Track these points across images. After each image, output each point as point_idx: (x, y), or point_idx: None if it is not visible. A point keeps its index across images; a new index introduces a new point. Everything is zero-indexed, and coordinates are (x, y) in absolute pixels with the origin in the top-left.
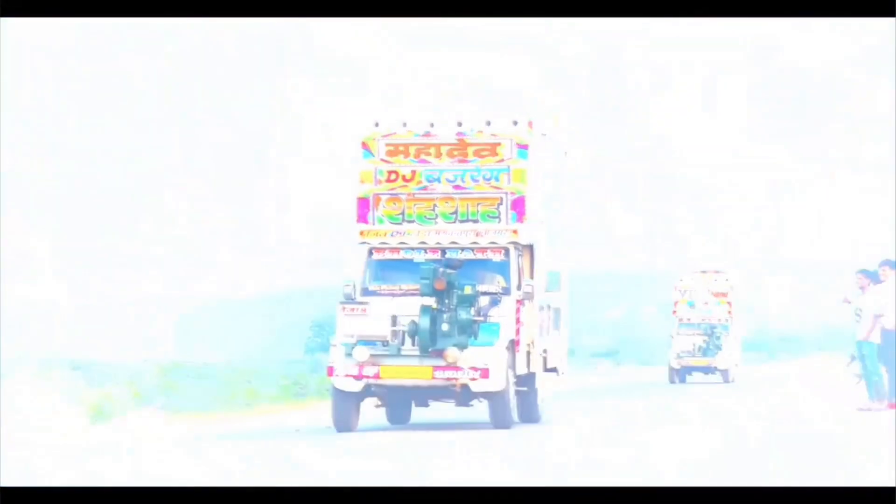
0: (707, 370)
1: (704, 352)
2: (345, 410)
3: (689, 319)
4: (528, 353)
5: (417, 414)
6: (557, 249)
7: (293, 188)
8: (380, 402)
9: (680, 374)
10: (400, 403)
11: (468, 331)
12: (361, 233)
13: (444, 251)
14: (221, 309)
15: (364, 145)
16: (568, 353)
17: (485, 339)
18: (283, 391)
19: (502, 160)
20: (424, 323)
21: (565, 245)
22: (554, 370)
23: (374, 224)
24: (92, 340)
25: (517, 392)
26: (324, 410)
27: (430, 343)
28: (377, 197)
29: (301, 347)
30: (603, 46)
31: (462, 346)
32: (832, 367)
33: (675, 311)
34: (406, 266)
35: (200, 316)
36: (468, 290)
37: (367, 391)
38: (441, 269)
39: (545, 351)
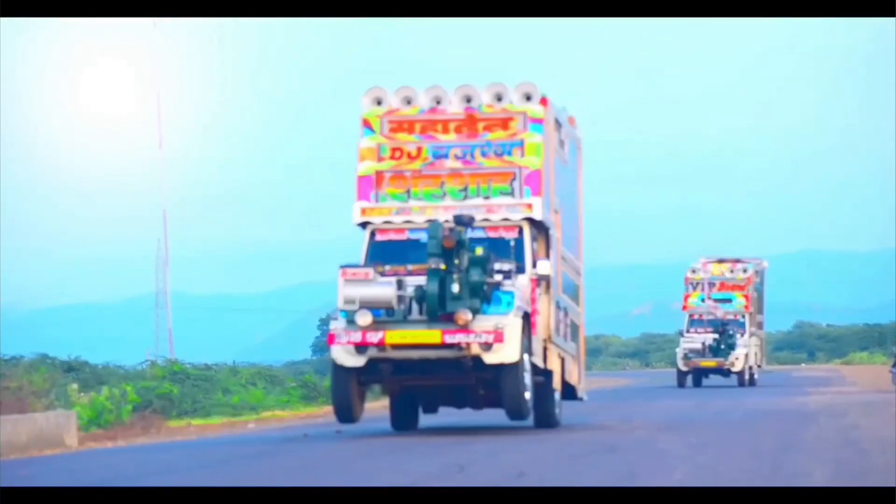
0: (722, 372)
1: (715, 352)
2: (346, 393)
3: (700, 315)
4: (545, 347)
5: (424, 420)
6: (577, 261)
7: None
8: (386, 388)
9: (695, 377)
10: (406, 407)
11: (480, 294)
12: (363, 211)
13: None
14: (227, 306)
15: (365, 122)
16: (587, 364)
17: (498, 307)
18: (290, 394)
19: (515, 133)
20: (433, 287)
21: (583, 253)
22: (573, 391)
23: (377, 202)
24: (91, 341)
25: (533, 383)
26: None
27: (439, 307)
28: (380, 175)
29: (308, 346)
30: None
31: (474, 311)
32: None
33: (685, 306)
34: (412, 247)
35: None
36: (480, 251)
37: (371, 369)
38: (450, 226)
39: (563, 354)
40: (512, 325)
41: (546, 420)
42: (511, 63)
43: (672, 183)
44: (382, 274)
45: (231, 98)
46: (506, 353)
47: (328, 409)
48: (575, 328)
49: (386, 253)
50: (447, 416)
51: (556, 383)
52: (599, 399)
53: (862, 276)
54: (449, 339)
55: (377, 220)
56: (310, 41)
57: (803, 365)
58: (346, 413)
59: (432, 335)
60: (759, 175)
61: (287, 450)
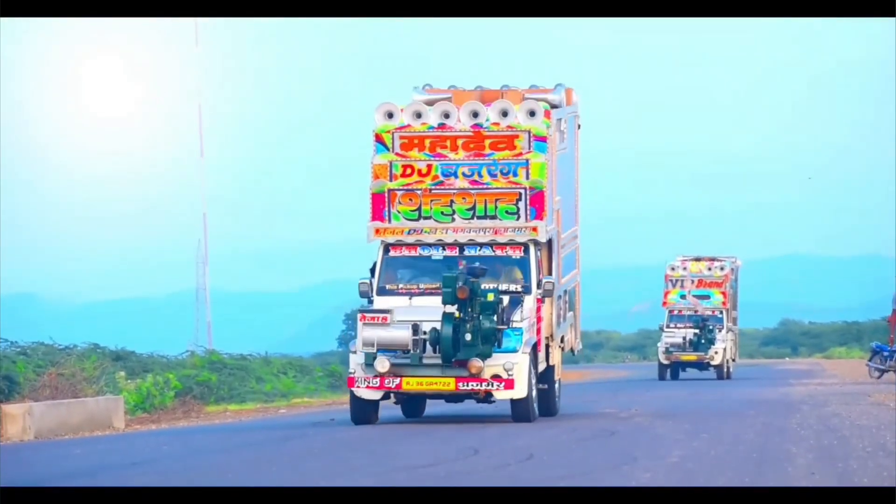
0: (700, 366)
1: (696, 346)
2: (363, 413)
3: (679, 311)
4: (548, 347)
5: (431, 406)
6: (575, 228)
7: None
8: (396, 401)
9: (672, 370)
10: (416, 399)
11: (491, 340)
12: (377, 231)
13: (462, 248)
14: (259, 302)
15: (378, 138)
16: (583, 336)
17: (508, 346)
18: (318, 382)
19: (520, 153)
20: (447, 332)
21: (580, 215)
22: (571, 351)
23: (389, 221)
24: (138, 332)
25: (538, 391)
26: None
27: (452, 353)
28: (392, 193)
29: (335, 339)
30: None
31: (485, 356)
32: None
33: (665, 303)
34: (424, 263)
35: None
36: (491, 298)
37: (387, 395)
38: (464, 278)
39: (562, 340)
40: (521, 364)
41: (547, 409)
42: (512, 64)
43: (667, 188)
44: (396, 291)
45: (258, 102)
46: (516, 391)
47: None
48: (572, 295)
49: (398, 268)
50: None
51: (558, 374)
52: (601, 389)
53: (842, 278)
54: (462, 387)
55: (390, 239)
56: (329, 45)
57: (787, 359)
58: (364, 422)
59: (446, 382)
60: (749, 182)
61: (315, 433)
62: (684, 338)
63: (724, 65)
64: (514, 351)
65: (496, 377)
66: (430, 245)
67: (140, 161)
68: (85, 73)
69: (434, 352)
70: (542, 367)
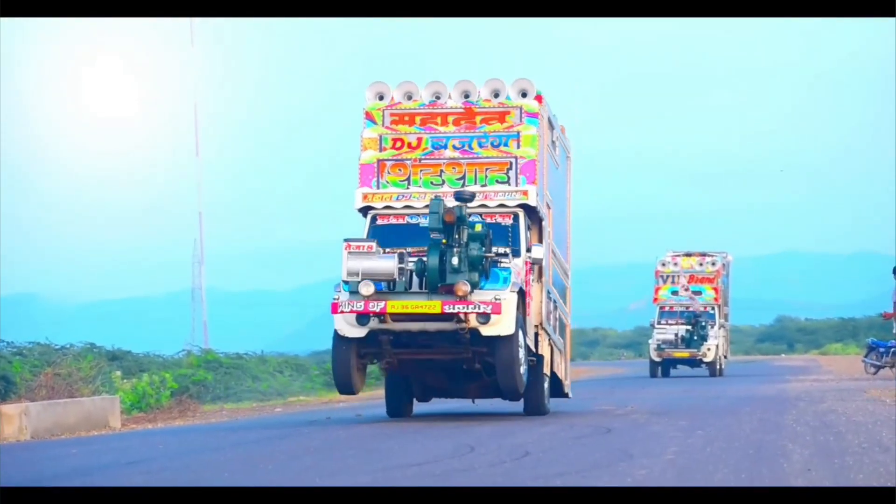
0: (692, 363)
1: (688, 343)
2: (347, 364)
3: (671, 307)
4: (537, 333)
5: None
6: (565, 262)
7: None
8: (386, 366)
9: (663, 367)
10: (401, 395)
11: (479, 268)
12: (365, 196)
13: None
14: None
15: (368, 115)
16: (579, 333)
17: (495, 283)
18: (314, 381)
19: (511, 126)
20: (433, 260)
21: (571, 257)
22: (560, 386)
23: (377, 189)
24: (134, 332)
25: (527, 363)
26: (354, 400)
27: (439, 279)
28: (382, 163)
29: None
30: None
31: (472, 284)
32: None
33: (655, 299)
34: (411, 231)
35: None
36: (479, 228)
37: (371, 340)
38: (451, 202)
39: (552, 343)
40: (509, 300)
41: (536, 407)
42: (508, 64)
43: (664, 186)
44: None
45: (254, 101)
46: (502, 325)
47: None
48: (563, 325)
49: (386, 236)
50: (440, 404)
51: (547, 368)
52: (597, 386)
53: (839, 275)
54: (448, 309)
55: (378, 205)
56: (328, 45)
57: (783, 355)
58: (347, 383)
59: (432, 305)
60: (746, 181)
61: (312, 431)
62: (676, 334)
63: (722, 65)
64: (503, 288)
65: (484, 301)
66: (418, 213)
67: (137, 161)
68: (82, 73)
69: (421, 286)
70: (530, 342)
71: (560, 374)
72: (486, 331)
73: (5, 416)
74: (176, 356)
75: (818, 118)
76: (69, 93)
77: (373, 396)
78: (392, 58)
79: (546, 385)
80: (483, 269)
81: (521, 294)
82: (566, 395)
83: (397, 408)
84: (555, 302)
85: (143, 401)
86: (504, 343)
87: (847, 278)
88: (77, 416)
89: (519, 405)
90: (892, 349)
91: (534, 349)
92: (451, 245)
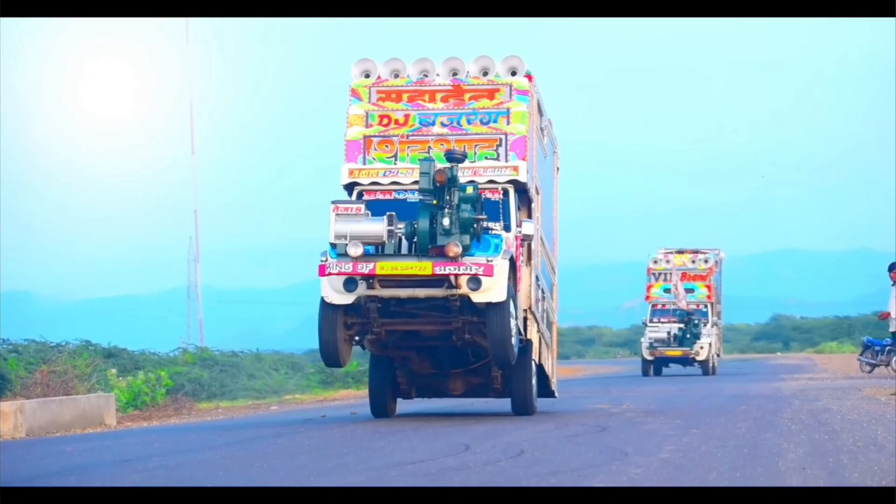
0: (684, 361)
1: (680, 341)
2: (333, 333)
3: (663, 305)
4: (525, 317)
5: (402, 406)
6: (552, 258)
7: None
8: (373, 338)
9: (655, 366)
10: (384, 394)
11: (470, 231)
12: (351, 172)
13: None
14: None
15: (354, 92)
16: (575, 332)
17: (486, 249)
18: (309, 379)
19: (501, 103)
20: (424, 221)
21: (558, 253)
22: (547, 384)
23: (364, 165)
24: (129, 330)
25: (518, 340)
26: (349, 398)
27: (429, 242)
28: (368, 140)
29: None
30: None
31: (464, 246)
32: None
33: (647, 297)
34: (399, 207)
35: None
36: (470, 190)
37: (359, 310)
38: (441, 162)
39: (540, 333)
40: (500, 265)
41: (523, 403)
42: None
43: (660, 184)
44: None
45: (249, 100)
46: (494, 292)
47: (345, 392)
48: (550, 322)
49: (373, 212)
50: (428, 403)
51: (535, 355)
52: (591, 384)
53: (834, 273)
54: (439, 270)
55: (365, 181)
56: (323, 42)
57: (779, 354)
58: (333, 354)
59: (423, 266)
60: (742, 179)
61: (307, 430)
62: (669, 332)
63: (719, 62)
64: (494, 255)
65: (476, 263)
66: (405, 189)
67: (132, 160)
68: (79, 72)
69: (410, 249)
70: (519, 323)
71: (547, 368)
72: (477, 297)
73: (1, 413)
74: (171, 354)
75: (814, 116)
76: (66, 92)
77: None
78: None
79: (534, 379)
80: (475, 233)
81: (513, 264)
82: (553, 394)
83: (381, 406)
84: (543, 291)
85: (139, 398)
86: (496, 310)
87: (843, 276)
88: (72, 414)
89: (506, 403)
90: (888, 347)
91: (522, 332)
92: (441, 207)
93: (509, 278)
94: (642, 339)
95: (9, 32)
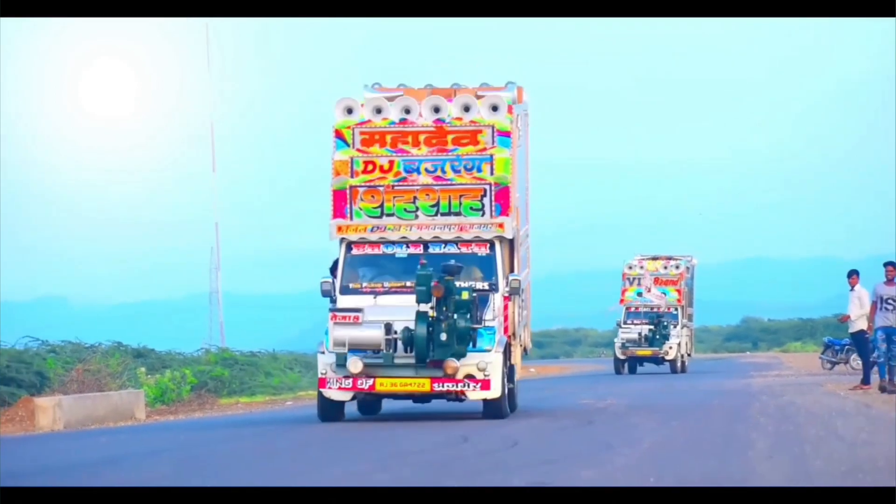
0: (655, 360)
1: (651, 341)
2: (331, 412)
3: (636, 308)
4: (510, 344)
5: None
6: (527, 227)
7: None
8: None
9: (629, 365)
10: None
11: (466, 339)
12: (339, 228)
13: (426, 246)
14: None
15: (338, 134)
16: (562, 333)
17: (481, 345)
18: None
19: (484, 149)
20: (421, 332)
21: (533, 211)
22: (524, 351)
23: (351, 218)
24: (156, 332)
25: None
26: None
27: (426, 353)
28: (354, 190)
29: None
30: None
31: (460, 356)
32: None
33: (622, 300)
34: (387, 261)
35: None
36: (466, 296)
37: (357, 396)
38: (438, 276)
39: (521, 339)
40: (495, 364)
41: (496, 409)
42: (502, 63)
43: (641, 194)
44: (360, 290)
45: (268, 111)
46: (491, 392)
47: None
48: (525, 323)
49: (362, 266)
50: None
51: (518, 373)
52: (579, 381)
53: (799, 279)
54: (437, 387)
55: (353, 237)
56: (327, 48)
57: (748, 353)
58: (331, 420)
59: (421, 383)
60: (716, 190)
61: (318, 424)
62: (640, 333)
63: (696, 68)
64: (489, 350)
65: (470, 377)
66: (393, 243)
67: (158, 175)
68: (92, 77)
69: (407, 352)
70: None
71: (525, 342)
72: (473, 396)
73: (41, 408)
74: (195, 354)
75: (785, 128)
76: (72, 100)
77: None
78: (391, 63)
79: (515, 388)
80: (471, 339)
81: (507, 348)
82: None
83: (369, 407)
84: (523, 300)
85: (166, 395)
86: (491, 403)
87: (807, 282)
88: (105, 409)
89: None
90: (847, 347)
91: (510, 362)
92: (439, 318)
93: (504, 364)
94: (615, 340)
95: (12, 33)
